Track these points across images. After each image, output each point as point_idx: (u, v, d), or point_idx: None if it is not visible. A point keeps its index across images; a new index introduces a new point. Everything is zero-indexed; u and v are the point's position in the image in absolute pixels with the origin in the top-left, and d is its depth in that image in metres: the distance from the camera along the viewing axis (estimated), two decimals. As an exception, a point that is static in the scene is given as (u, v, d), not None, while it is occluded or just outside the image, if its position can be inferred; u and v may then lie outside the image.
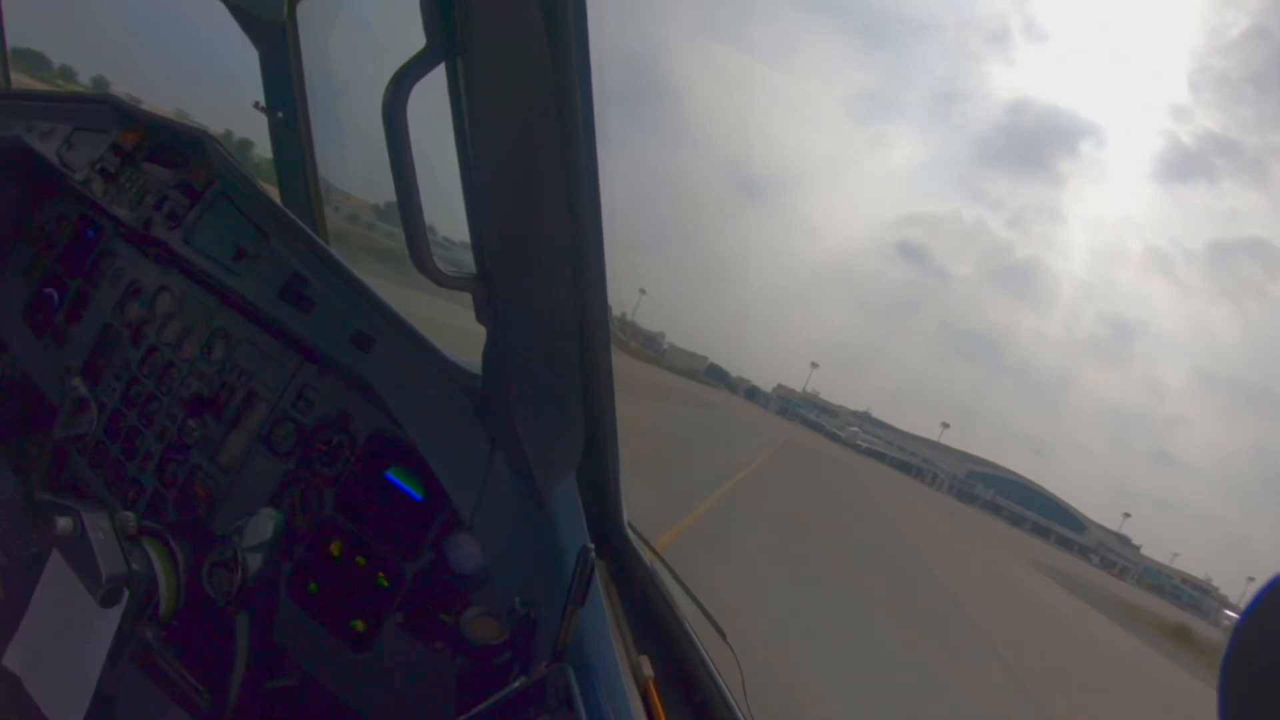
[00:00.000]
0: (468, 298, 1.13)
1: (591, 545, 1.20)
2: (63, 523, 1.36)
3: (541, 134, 1.03)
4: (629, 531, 1.61)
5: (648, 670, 1.34)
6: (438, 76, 0.96)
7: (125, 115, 2.35)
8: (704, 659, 1.46)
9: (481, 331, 1.22)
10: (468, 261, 1.12)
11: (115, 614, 1.37)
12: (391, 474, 1.72)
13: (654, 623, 1.53)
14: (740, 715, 1.40)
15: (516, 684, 1.18)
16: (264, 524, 1.55)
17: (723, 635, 1.54)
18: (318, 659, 1.67)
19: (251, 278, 1.95)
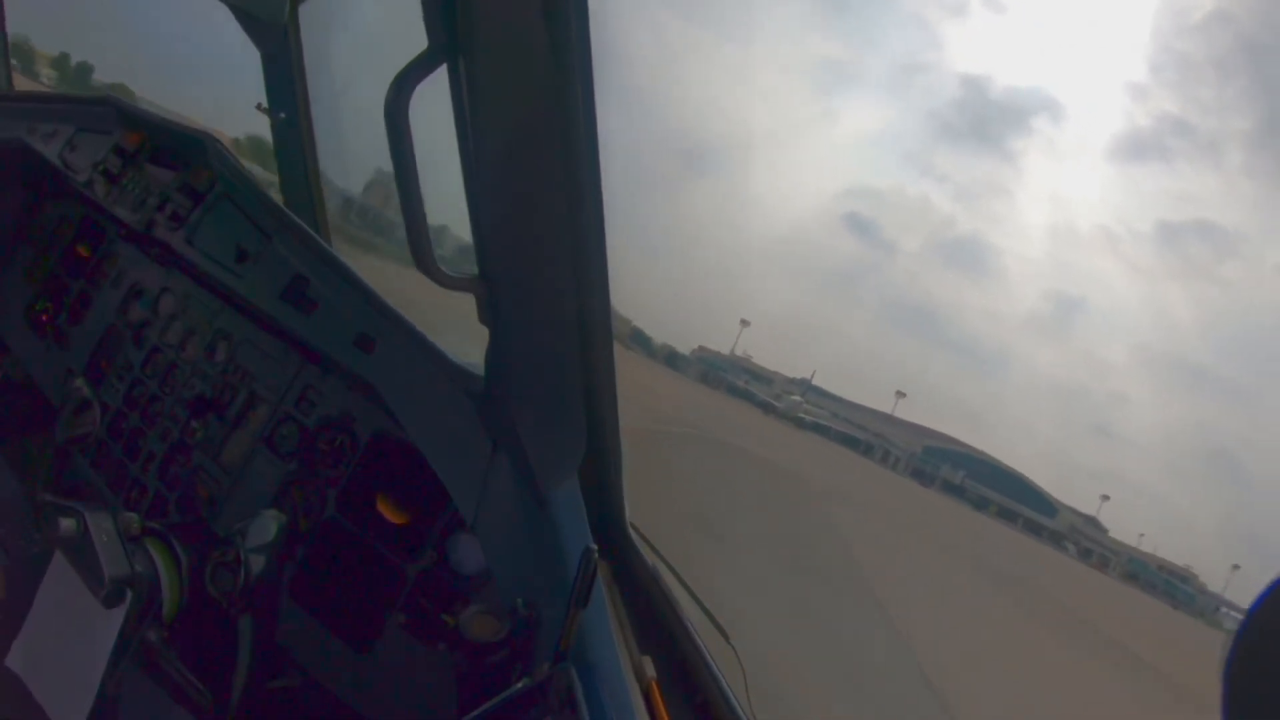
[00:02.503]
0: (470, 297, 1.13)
1: (594, 546, 1.20)
2: (65, 523, 1.36)
3: (543, 135, 1.03)
4: (631, 532, 1.61)
5: (650, 671, 1.34)
6: (439, 77, 0.96)
7: (127, 117, 2.36)
8: (706, 660, 1.46)
9: (484, 331, 1.22)
10: (470, 262, 1.12)
11: (118, 615, 1.37)
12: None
13: (656, 623, 1.53)
14: (743, 716, 1.40)
15: (520, 685, 1.18)
16: (266, 525, 1.55)
17: (725, 636, 1.54)
18: (320, 660, 1.67)
19: (254, 279, 1.96)
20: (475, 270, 1.11)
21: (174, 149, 2.24)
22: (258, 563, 1.50)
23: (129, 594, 1.38)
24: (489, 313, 1.14)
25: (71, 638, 1.41)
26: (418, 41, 0.94)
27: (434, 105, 0.99)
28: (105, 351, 2.25)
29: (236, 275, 1.99)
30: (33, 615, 1.47)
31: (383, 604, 1.64)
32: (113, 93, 2.65)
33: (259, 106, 2.58)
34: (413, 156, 1.00)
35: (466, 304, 1.16)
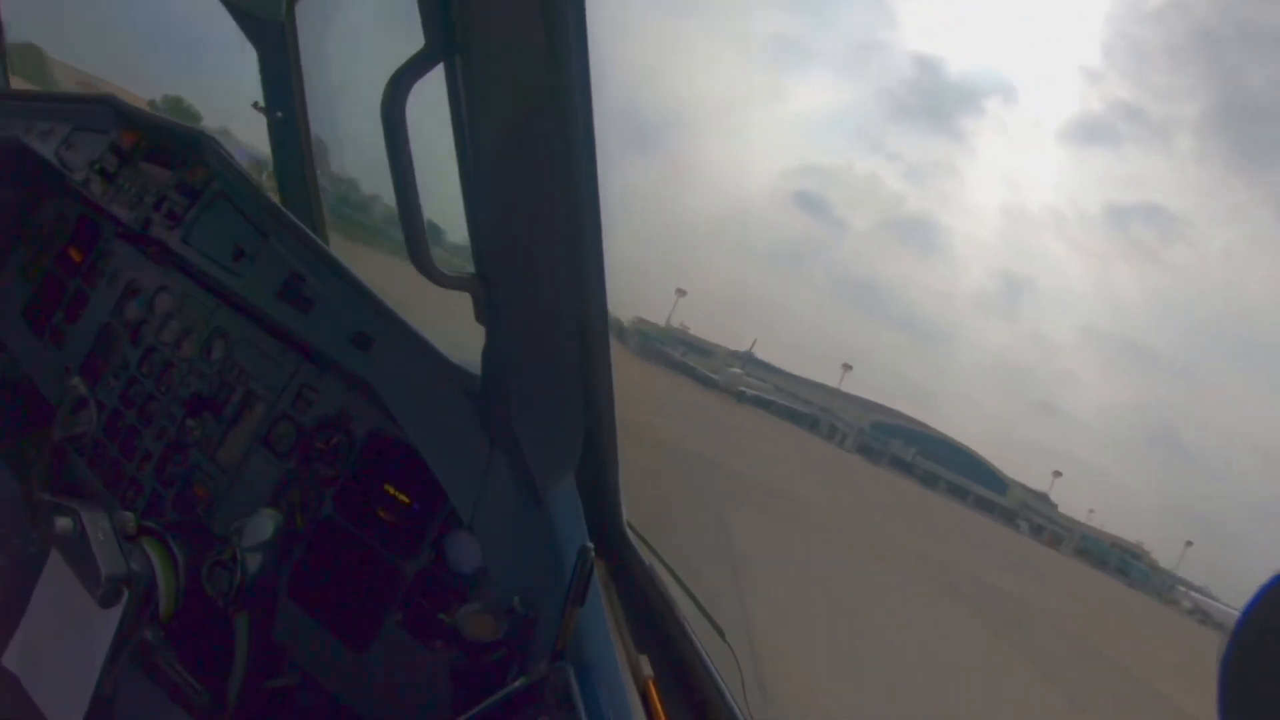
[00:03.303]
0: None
1: (591, 545, 1.20)
2: (62, 523, 1.36)
3: (540, 134, 1.03)
4: (628, 531, 1.61)
5: (647, 670, 1.34)
6: (437, 76, 0.96)
7: (124, 116, 2.35)
8: (703, 658, 1.46)
9: (481, 330, 1.22)
10: (467, 261, 1.12)
11: (115, 614, 1.37)
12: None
13: (653, 622, 1.53)
14: (740, 714, 1.40)
15: (517, 683, 1.18)
16: (263, 524, 1.55)
17: (722, 634, 1.54)
18: (317, 659, 1.67)
19: (250, 277, 1.95)
20: (472, 269, 1.11)
21: (170, 148, 2.23)
22: (255, 562, 1.50)
23: (126, 593, 1.38)
24: (486, 312, 1.14)
25: (68, 637, 1.41)
26: (414, 40, 0.93)
27: (431, 104, 0.99)
28: (102, 350, 2.25)
29: (233, 274, 1.98)
30: (29, 614, 1.47)
31: (380, 603, 1.64)
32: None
33: (255, 105, 2.57)
34: (409, 155, 1.00)
35: (464, 303, 1.16)
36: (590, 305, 1.22)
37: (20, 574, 1.67)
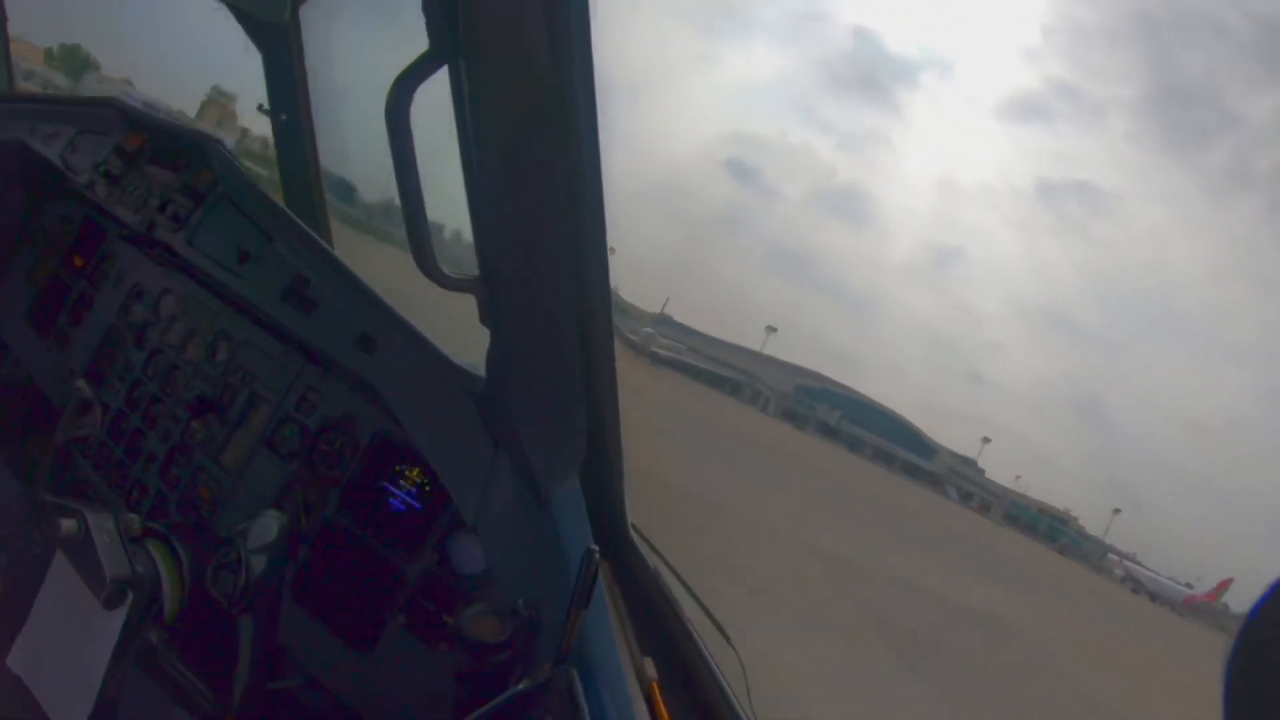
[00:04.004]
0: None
1: (595, 547, 1.20)
2: (67, 524, 1.36)
3: (544, 136, 1.03)
4: (633, 533, 1.61)
5: (651, 672, 1.34)
6: (441, 79, 0.96)
7: (128, 118, 2.36)
8: (708, 661, 1.46)
9: (485, 332, 1.22)
10: (471, 263, 1.12)
11: (119, 615, 1.37)
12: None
13: (658, 624, 1.53)
14: (744, 717, 1.40)
15: (521, 685, 1.18)
16: (267, 526, 1.56)
17: (726, 637, 1.54)
18: (321, 660, 1.67)
19: (255, 280, 1.96)
20: (476, 271, 1.11)
21: (175, 150, 2.24)
22: (259, 563, 1.50)
23: (130, 594, 1.38)
24: (490, 314, 1.15)
25: (73, 638, 1.41)
26: (419, 43, 0.94)
27: (435, 106, 0.99)
28: (106, 353, 2.25)
29: (238, 276, 1.99)
30: (34, 616, 1.47)
31: (384, 605, 1.64)
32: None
33: (260, 107, 2.58)
34: (414, 158, 1.00)
35: (468, 304, 1.16)
36: (594, 307, 1.22)
37: (25, 575, 1.68)
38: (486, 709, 1.19)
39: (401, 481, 1.72)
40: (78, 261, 2.43)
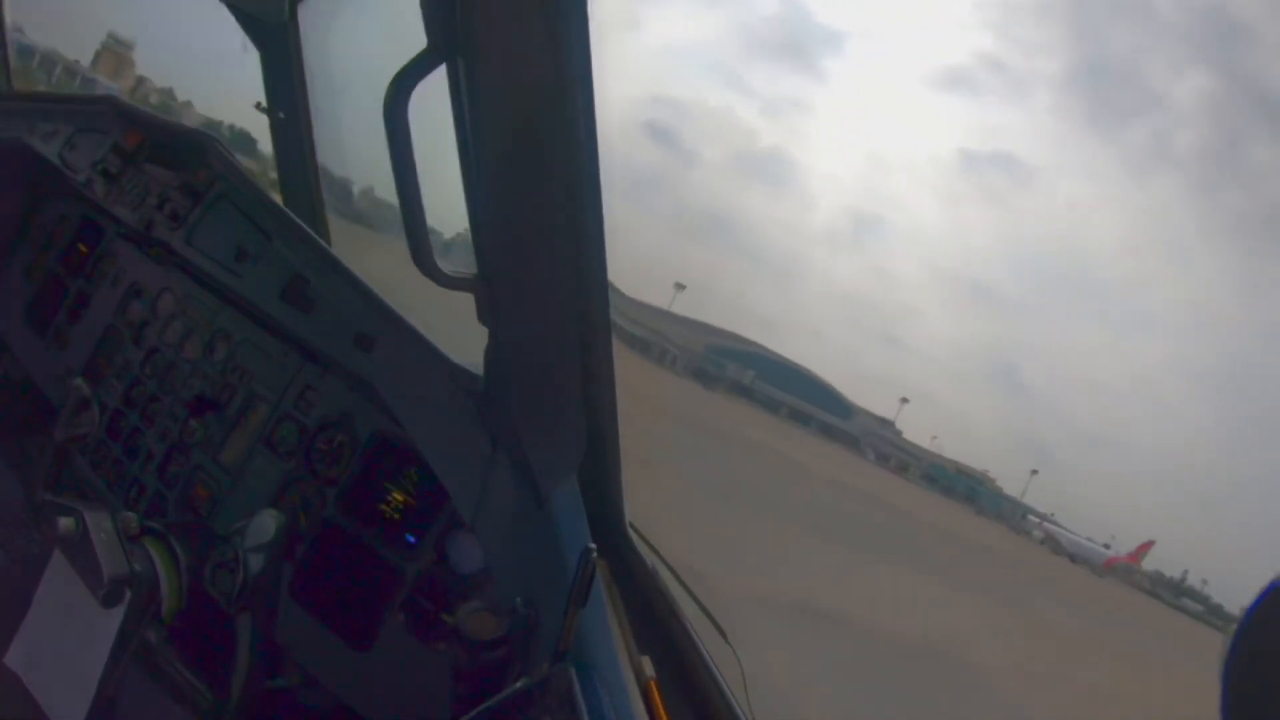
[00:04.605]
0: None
1: (593, 545, 1.20)
2: (65, 523, 1.36)
3: (542, 135, 1.03)
4: (631, 532, 1.61)
5: (649, 671, 1.34)
6: (439, 77, 0.96)
7: (127, 116, 2.36)
8: (705, 659, 1.46)
9: (483, 330, 1.22)
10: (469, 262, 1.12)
11: (117, 614, 1.37)
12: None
13: (655, 623, 1.53)
14: (742, 715, 1.40)
15: (519, 684, 1.18)
16: (266, 524, 1.55)
17: (724, 635, 1.54)
18: (319, 659, 1.67)
19: (253, 278, 1.96)
20: (474, 270, 1.11)
21: (173, 149, 2.24)
22: (257, 562, 1.50)
23: (128, 593, 1.38)
24: (488, 312, 1.15)
25: (71, 637, 1.41)
26: (417, 41, 0.94)
27: (433, 105, 0.99)
28: (104, 351, 2.25)
29: (236, 275, 1.99)
30: (32, 614, 1.47)
31: (382, 603, 1.64)
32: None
33: (258, 106, 2.58)
34: (412, 156, 1.00)
35: (466, 303, 1.16)
36: (592, 306, 1.22)
37: (23, 574, 1.68)
38: (484, 707, 1.19)
39: (400, 480, 1.72)
40: (80, 251, 2.42)
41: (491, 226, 1.09)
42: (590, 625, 1.23)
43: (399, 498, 1.71)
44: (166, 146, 2.26)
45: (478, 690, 1.27)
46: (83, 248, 2.43)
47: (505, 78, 0.97)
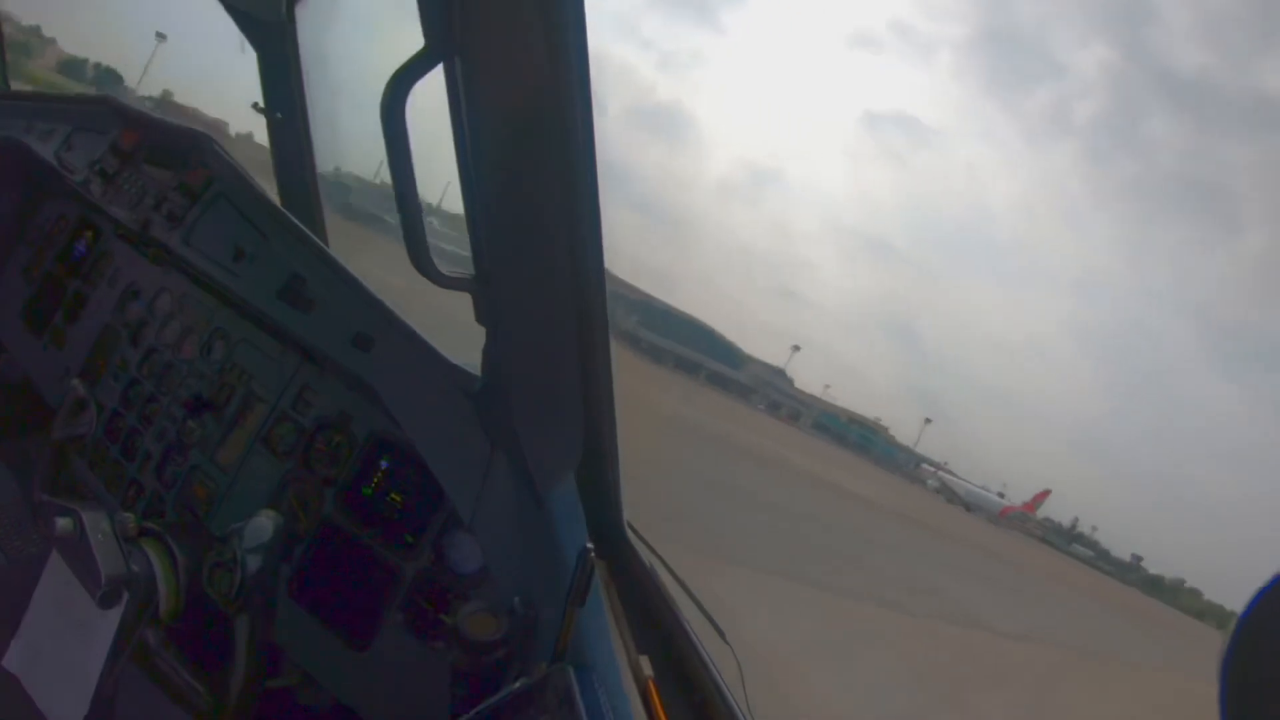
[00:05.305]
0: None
1: (591, 545, 1.21)
2: (62, 523, 1.36)
3: (540, 135, 1.03)
4: (628, 531, 1.61)
5: (648, 670, 1.34)
6: (436, 77, 0.96)
7: (124, 116, 2.35)
8: (704, 658, 1.46)
9: (482, 331, 1.22)
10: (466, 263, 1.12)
11: (115, 615, 1.37)
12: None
13: (654, 623, 1.53)
14: (740, 715, 1.40)
15: (517, 684, 1.18)
16: (263, 525, 1.55)
17: (722, 635, 1.54)
18: (318, 659, 1.67)
19: (251, 278, 1.95)
20: (472, 270, 1.11)
21: (171, 148, 2.23)
22: (255, 562, 1.49)
23: (126, 594, 1.37)
24: (486, 313, 1.15)
25: (68, 638, 1.41)
26: (415, 41, 0.94)
27: (431, 105, 0.99)
28: (102, 351, 2.25)
29: (233, 274, 1.99)
30: (30, 615, 1.47)
31: (380, 603, 1.64)
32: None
33: (255, 106, 2.57)
34: (409, 156, 1.00)
35: (464, 303, 1.16)
36: (590, 305, 1.23)
37: (20, 575, 1.67)
38: (483, 707, 1.19)
39: (398, 480, 1.72)
40: (78, 252, 2.42)
41: (489, 227, 1.09)
42: (589, 625, 1.23)
43: (397, 498, 1.71)
44: (164, 146, 2.26)
45: (476, 690, 1.27)
46: (80, 248, 2.43)
47: (503, 78, 0.97)
